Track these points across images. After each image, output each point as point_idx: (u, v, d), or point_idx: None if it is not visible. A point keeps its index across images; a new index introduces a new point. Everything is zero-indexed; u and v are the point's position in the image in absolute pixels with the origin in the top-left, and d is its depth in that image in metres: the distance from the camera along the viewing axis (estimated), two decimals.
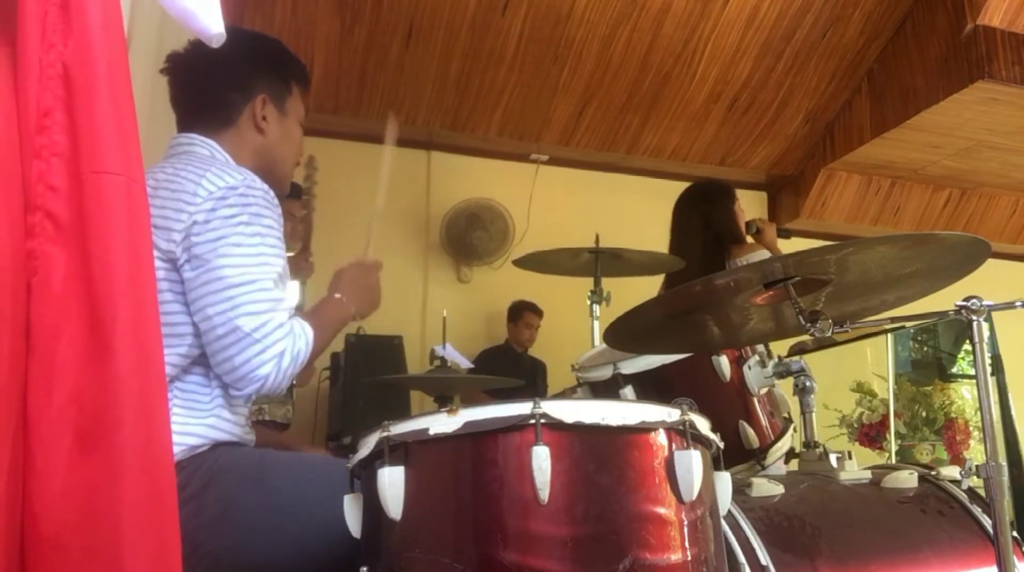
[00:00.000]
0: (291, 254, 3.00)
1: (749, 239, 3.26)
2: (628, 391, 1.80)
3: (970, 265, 1.41)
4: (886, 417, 3.79)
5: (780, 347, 2.59)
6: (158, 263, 1.36)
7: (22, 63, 0.92)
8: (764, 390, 1.84)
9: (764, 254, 3.09)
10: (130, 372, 0.93)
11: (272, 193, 1.51)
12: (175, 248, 1.40)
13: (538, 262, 3.20)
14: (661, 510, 1.08)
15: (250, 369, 1.38)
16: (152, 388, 0.96)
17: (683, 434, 1.12)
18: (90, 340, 0.92)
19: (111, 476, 0.91)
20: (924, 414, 3.80)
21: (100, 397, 0.92)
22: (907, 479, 1.61)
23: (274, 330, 1.40)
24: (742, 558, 1.34)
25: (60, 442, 0.91)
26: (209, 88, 1.62)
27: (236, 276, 1.39)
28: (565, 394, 2.25)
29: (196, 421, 1.42)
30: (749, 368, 1.83)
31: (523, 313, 4.84)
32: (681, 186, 5.70)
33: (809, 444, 1.75)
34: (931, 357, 5.64)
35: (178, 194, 1.43)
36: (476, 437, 1.07)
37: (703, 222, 3.19)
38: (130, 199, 0.95)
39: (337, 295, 1.64)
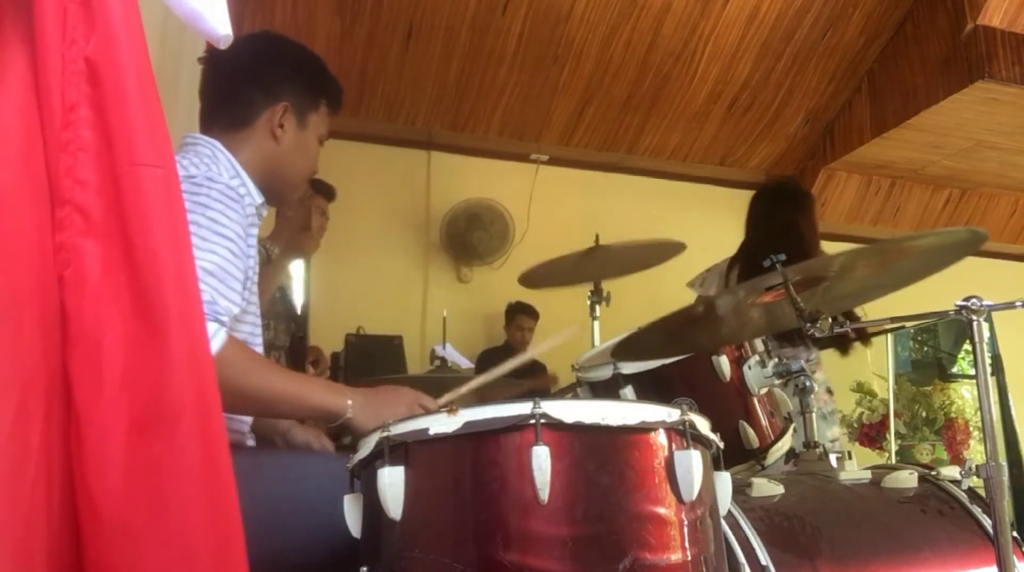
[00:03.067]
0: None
1: None
2: (628, 391, 1.80)
3: (967, 249, 1.41)
4: (886, 417, 3.79)
5: None
6: None
7: (42, 61, 0.93)
8: (764, 390, 1.84)
9: None
10: (185, 357, 0.95)
11: (238, 191, 1.47)
12: None
13: (540, 277, 3.21)
14: (661, 510, 1.08)
15: None
16: (206, 372, 0.97)
17: (683, 434, 1.12)
18: (140, 327, 0.94)
19: (176, 458, 0.93)
20: (924, 414, 3.80)
21: (156, 383, 0.93)
22: (907, 479, 1.61)
23: None
24: (742, 558, 1.34)
25: (115, 428, 0.91)
26: (236, 83, 1.62)
27: None
28: (565, 394, 2.25)
29: None
30: (749, 368, 1.82)
31: (515, 316, 4.81)
32: (681, 186, 5.74)
33: (809, 444, 1.75)
34: (931, 357, 5.65)
35: None
36: (476, 437, 1.07)
37: (793, 218, 3.04)
38: (168, 189, 0.97)
39: (348, 401, 1.44)
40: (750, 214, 3.17)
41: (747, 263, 3.01)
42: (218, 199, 1.42)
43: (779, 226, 3.02)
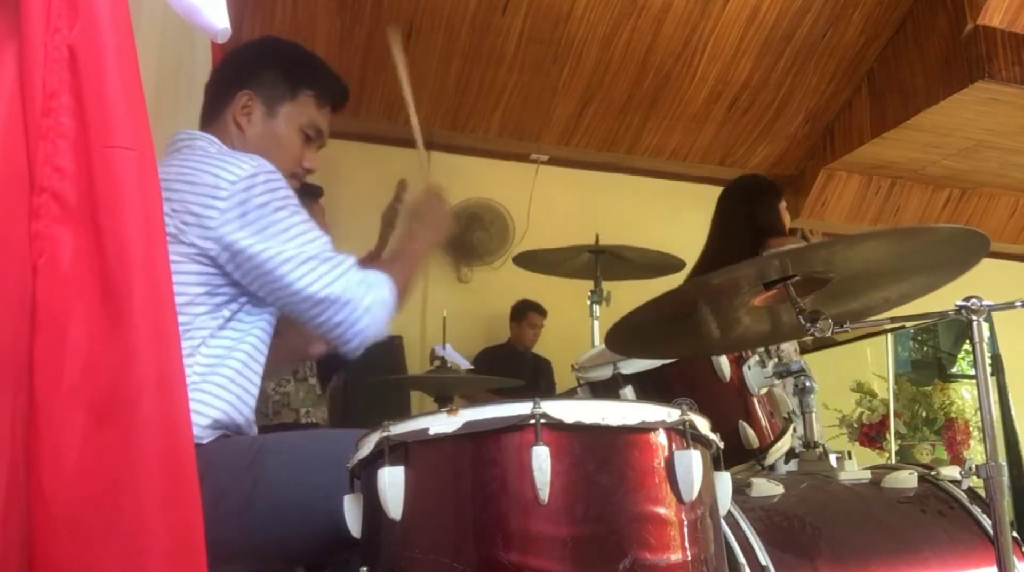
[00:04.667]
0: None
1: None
2: (628, 391, 1.80)
3: (972, 258, 1.41)
4: (886, 417, 3.79)
5: None
6: (190, 260, 1.42)
7: (26, 48, 0.93)
8: (764, 390, 1.84)
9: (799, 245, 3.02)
10: (147, 345, 0.93)
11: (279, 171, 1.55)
12: (211, 245, 1.42)
13: (538, 262, 3.21)
14: (661, 510, 1.08)
15: (351, 327, 1.52)
16: (170, 361, 0.96)
17: (683, 434, 1.12)
18: (103, 315, 0.92)
19: (130, 449, 0.91)
20: (924, 414, 3.80)
21: (116, 371, 0.92)
22: (907, 479, 1.61)
23: (356, 287, 1.51)
24: (742, 558, 1.34)
25: (73, 421, 0.90)
26: (210, 84, 1.69)
27: (301, 255, 1.47)
28: (567, 394, 2.25)
29: (224, 400, 1.46)
30: (749, 368, 1.82)
31: (527, 313, 4.84)
32: (681, 186, 5.73)
33: (809, 444, 1.75)
34: (931, 357, 5.64)
35: (199, 187, 1.44)
36: (476, 437, 1.07)
37: (746, 216, 3.06)
38: (142, 173, 0.96)
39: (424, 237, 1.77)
40: (713, 217, 3.18)
41: (700, 266, 3.02)
42: (286, 186, 1.52)
43: (732, 222, 3.06)
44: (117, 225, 0.94)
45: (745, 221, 3.05)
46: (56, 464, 0.89)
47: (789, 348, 2.92)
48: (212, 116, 1.64)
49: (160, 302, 0.96)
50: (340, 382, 3.98)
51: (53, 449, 0.90)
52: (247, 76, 1.64)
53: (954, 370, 5.18)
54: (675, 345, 1.68)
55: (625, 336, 1.53)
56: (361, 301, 1.52)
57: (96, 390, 0.91)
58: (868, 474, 1.65)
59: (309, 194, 2.97)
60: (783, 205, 3.14)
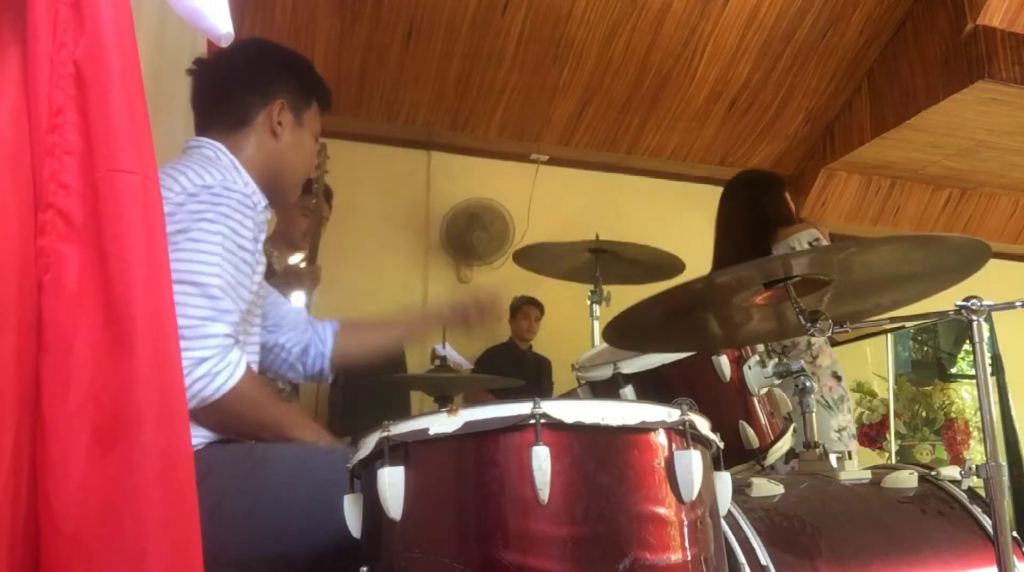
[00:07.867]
0: (300, 265, 3.00)
1: None
2: (628, 391, 1.80)
3: (971, 267, 1.41)
4: (886, 417, 3.80)
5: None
6: None
7: (32, 62, 0.93)
8: (764, 390, 1.84)
9: (813, 233, 2.89)
10: (150, 369, 0.94)
11: (253, 198, 1.49)
12: None
13: (537, 258, 3.21)
14: (661, 510, 1.08)
15: None
16: (171, 385, 0.96)
17: (683, 434, 1.12)
18: (108, 338, 0.93)
19: (132, 472, 0.91)
20: (924, 414, 3.81)
21: (120, 394, 0.92)
22: (907, 479, 1.61)
23: (204, 337, 1.34)
24: (742, 558, 1.34)
25: (77, 439, 0.91)
26: (229, 89, 1.65)
27: (184, 272, 1.35)
28: (567, 394, 2.25)
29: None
30: (749, 368, 1.82)
31: (522, 306, 4.87)
32: (681, 186, 5.74)
33: (809, 444, 1.75)
34: (931, 357, 5.65)
35: (164, 182, 1.43)
36: (476, 437, 1.07)
37: (750, 204, 2.99)
38: (146, 197, 0.96)
39: (319, 437, 1.55)
40: (717, 216, 3.10)
41: (715, 265, 2.97)
42: (237, 209, 1.44)
43: (737, 214, 2.99)
44: (120, 250, 0.93)
45: (751, 213, 2.98)
46: (62, 481, 0.90)
47: (820, 341, 2.85)
48: (236, 123, 1.61)
49: (162, 329, 0.96)
50: (339, 382, 3.98)
51: (58, 468, 0.90)
52: (272, 84, 1.65)
53: (954, 370, 5.19)
54: (674, 341, 1.68)
55: (625, 331, 1.53)
56: (195, 350, 1.32)
57: (100, 412, 0.92)
58: (868, 474, 1.65)
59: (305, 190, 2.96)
60: (788, 195, 3.07)
